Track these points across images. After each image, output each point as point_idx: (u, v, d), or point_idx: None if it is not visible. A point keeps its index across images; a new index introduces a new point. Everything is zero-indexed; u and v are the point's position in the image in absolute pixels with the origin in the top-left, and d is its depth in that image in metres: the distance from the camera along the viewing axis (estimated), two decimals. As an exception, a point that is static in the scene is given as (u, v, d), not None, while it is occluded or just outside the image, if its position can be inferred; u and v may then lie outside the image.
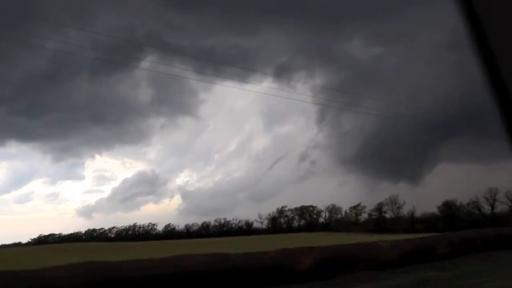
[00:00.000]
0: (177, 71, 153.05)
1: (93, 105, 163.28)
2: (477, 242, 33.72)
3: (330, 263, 24.51)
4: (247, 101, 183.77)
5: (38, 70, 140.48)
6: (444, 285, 23.26)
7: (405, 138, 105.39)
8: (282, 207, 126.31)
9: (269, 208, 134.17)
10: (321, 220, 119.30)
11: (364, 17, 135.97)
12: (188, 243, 66.80)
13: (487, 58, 1.19)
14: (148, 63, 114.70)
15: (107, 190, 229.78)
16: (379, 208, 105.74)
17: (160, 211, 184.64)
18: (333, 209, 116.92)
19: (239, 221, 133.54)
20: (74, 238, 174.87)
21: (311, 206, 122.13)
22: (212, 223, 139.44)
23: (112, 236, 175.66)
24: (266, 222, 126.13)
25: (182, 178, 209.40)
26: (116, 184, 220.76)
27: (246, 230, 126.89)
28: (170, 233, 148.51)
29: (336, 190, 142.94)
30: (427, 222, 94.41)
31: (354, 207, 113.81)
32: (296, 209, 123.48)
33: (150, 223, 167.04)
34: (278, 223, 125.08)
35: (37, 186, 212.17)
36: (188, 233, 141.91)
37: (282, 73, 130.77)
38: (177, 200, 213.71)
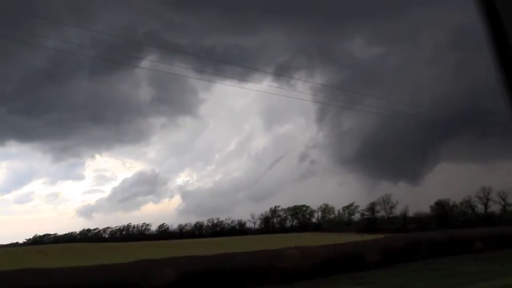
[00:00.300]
0: (177, 70, 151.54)
1: (93, 105, 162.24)
2: (423, 247, 30.11)
3: (201, 277, 19.29)
4: (247, 101, 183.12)
5: (38, 69, 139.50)
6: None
7: (405, 138, 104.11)
8: (275, 207, 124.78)
9: (268, 208, 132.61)
10: (314, 220, 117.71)
11: (365, 17, 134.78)
12: (163, 244, 65.22)
13: (504, 56, 1.14)
14: (148, 62, 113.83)
15: (107, 190, 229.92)
16: (371, 207, 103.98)
17: (160, 211, 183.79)
18: (326, 209, 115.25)
19: (232, 221, 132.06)
20: (68, 238, 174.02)
21: (304, 205, 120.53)
22: (205, 223, 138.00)
23: (106, 236, 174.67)
24: (258, 222, 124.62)
25: (182, 178, 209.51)
26: (116, 184, 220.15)
27: (239, 230, 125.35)
28: (163, 233, 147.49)
29: (335, 189, 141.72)
30: (419, 222, 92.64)
31: (347, 207, 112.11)
32: (289, 209, 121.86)
33: (144, 223, 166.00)
34: (271, 223, 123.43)
35: (37, 186, 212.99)
36: (181, 233, 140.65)
37: (282, 72, 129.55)
38: (177, 200, 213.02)
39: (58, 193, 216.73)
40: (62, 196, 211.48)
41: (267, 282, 19.73)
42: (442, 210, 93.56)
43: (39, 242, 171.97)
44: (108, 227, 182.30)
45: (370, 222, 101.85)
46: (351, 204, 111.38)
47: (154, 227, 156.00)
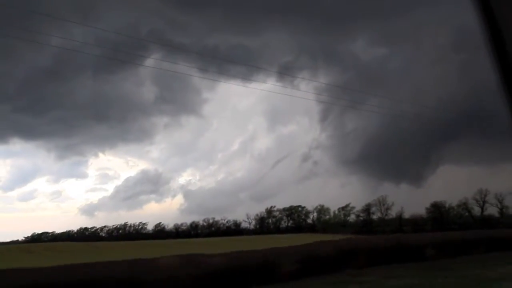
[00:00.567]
0: (181, 69, 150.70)
1: (97, 103, 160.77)
2: (360, 254, 24.71)
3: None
4: (251, 101, 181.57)
5: (41, 67, 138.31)
6: None
7: (408, 139, 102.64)
8: (271, 207, 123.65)
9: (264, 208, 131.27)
10: (309, 221, 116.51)
11: (369, 18, 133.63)
12: (142, 244, 64.05)
13: (501, 58, 1.15)
14: (152, 61, 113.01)
15: (110, 188, 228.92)
16: (367, 209, 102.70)
17: (162, 210, 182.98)
18: (321, 210, 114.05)
19: (227, 221, 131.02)
20: (66, 236, 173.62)
21: (300, 206, 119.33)
22: (201, 223, 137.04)
23: (103, 235, 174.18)
24: (253, 222, 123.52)
25: (185, 177, 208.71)
26: (119, 182, 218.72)
27: (234, 230, 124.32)
28: (159, 233, 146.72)
29: (338, 191, 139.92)
30: (415, 224, 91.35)
31: (343, 208, 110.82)
32: (284, 209, 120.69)
33: (140, 223, 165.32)
34: (266, 224, 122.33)
35: (41, 184, 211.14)
36: (177, 233, 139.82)
37: (286, 72, 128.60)
38: (179, 199, 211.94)
39: (61, 191, 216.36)
40: (65, 194, 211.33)
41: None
42: (438, 212, 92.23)
43: (37, 240, 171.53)
44: (105, 226, 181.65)
45: (366, 223, 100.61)
46: (347, 205, 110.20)
47: (153, 226, 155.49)
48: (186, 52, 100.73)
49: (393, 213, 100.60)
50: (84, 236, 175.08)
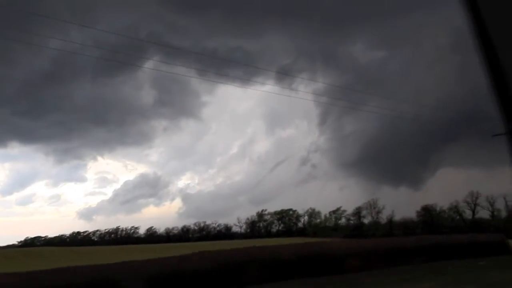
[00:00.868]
0: (179, 72, 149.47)
1: (96, 107, 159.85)
2: (251, 267, 20.55)
3: None
4: (250, 104, 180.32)
5: (40, 70, 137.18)
6: None
7: (407, 141, 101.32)
8: (262, 210, 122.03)
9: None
10: (301, 224, 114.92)
11: (368, 21, 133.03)
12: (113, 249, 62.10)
13: (491, 61, 1.16)
14: (151, 65, 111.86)
15: (108, 192, 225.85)
16: (357, 212, 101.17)
17: (161, 214, 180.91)
18: (312, 213, 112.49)
19: (218, 225, 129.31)
20: (58, 241, 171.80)
21: (291, 209, 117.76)
22: (192, 227, 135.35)
23: (95, 239, 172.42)
24: (244, 226, 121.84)
25: (184, 181, 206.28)
26: (118, 186, 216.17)
27: (224, 234, 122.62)
28: (150, 237, 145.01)
29: (336, 194, 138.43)
30: (405, 228, 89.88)
31: (334, 212, 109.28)
32: (275, 213, 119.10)
33: (132, 227, 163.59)
34: (257, 227, 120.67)
35: (39, 188, 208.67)
36: (168, 237, 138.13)
37: (285, 75, 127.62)
38: (177, 203, 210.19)
39: (60, 195, 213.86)
40: (64, 198, 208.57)
41: None
42: (428, 216, 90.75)
43: (30, 244, 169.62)
44: (97, 230, 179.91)
45: (356, 227, 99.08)
46: (338, 209, 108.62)
47: (145, 231, 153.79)
48: (185, 55, 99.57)
49: (384, 216, 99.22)
50: (76, 240, 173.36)
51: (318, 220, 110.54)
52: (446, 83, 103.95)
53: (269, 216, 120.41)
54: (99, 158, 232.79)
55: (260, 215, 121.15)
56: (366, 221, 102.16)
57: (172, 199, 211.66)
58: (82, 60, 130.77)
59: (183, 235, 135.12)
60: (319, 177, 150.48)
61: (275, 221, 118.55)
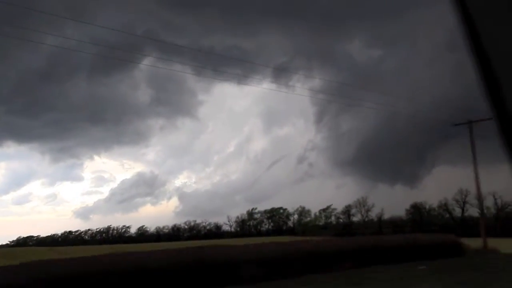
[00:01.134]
0: (176, 71, 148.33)
1: (92, 105, 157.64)
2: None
3: None
4: (247, 102, 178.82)
5: (36, 68, 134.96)
6: None
7: (403, 140, 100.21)
8: (252, 209, 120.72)
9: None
10: (290, 223, 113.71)
11: (365, 19, 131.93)
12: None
13: (481, 59, 1.19)
14: (147, 63, 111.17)
15: (105, 191, 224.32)
16: (347, 211, 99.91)
17: (158, 213, 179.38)
18: (302, 212, 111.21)
19: (208, 224, 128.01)
20: (50, 240, 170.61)
21: (281, 208, 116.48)
22: (182, 225, 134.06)
23: (87, 238, 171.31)
24: (234, 225, 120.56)
25: (180, 180, 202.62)
26: (114, 185, 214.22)
27: (214, 233, 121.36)
28: (141, 236, 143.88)
29: (333, 192, 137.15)
30: (394, 226, 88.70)
31: (324, 210, 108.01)
32: (265, 211, 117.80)
33: (124, 226, 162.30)
34: (247, 226, 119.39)
35: (35, 187, 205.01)
36: (158, 236, 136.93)
37: (281, 74, 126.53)
38: (174, 201, 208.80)
39: (56, 194, 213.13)
40: (61, 197, 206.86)
41: None
42: (417, 214, 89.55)
43: (23, 244, 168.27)
44: (89, 229, 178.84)
45: (345, 226, 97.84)
46: (328, 207, 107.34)
47: (136, 230, 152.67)
48: (182, 54, 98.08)
49: (374, 214, 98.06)
50: (68, 240, 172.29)
51: (308, 219, 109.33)
52: (443, 81, 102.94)
53: (259, 215, 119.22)
54: (96, 157, 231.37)
55: (250, 213, 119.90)
56: (356, 219, 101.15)
57: (169, 198, 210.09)
58: (78, 58, 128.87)
59: (173, 234, 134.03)
60: (316, 175, 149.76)
61: (265, 220, 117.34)
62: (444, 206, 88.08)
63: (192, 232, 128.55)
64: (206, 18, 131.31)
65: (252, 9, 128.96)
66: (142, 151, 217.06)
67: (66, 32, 73.30)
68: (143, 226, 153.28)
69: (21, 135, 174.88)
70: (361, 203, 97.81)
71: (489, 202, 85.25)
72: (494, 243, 56.76)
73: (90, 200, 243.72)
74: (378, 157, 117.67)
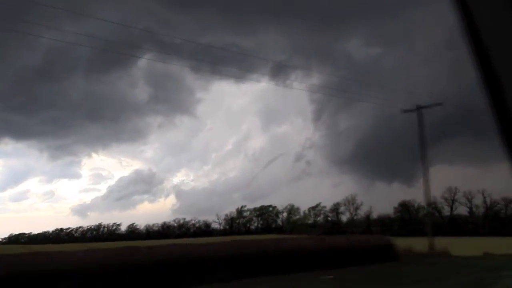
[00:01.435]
0: (174, 69, 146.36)
1: (90, 103, 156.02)
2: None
3: None
4: (245, 100, 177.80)
5: (33, 65, 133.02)
6: None
7: (401, 138, 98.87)
8: (241, 207, 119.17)
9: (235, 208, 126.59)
10: (280, 221, 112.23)
11: (363, 18, 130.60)
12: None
13: (481, 57, 1.19)
14: (145, 60, 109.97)
15: (103, 188, 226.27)
16: (335, 209, 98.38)
17: (155, 210, 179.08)
18: (291, 210, 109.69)
19: (198, 221, 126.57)
20: (42, 237, 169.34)
21: (270, 206, 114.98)
22: (171, 223, 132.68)
23: (77, 235, 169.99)
24: (223, 223, 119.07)
25: (178, 177, 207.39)
26: (112, 182, 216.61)
27: (203, 231, 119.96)
28: (131, 234, 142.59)
29: (330, 190, 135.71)
30: (382, 225, 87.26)
31: (313, 208, 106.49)
32: (255, 209, 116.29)
33: (114, 223, 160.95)
34: (237, 224, 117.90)
35: (33, 185, 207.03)
36: (148, 234, 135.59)
37: (280, 72, 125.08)
38: (172, 199, 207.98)
39: (54, 191, 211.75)
40: (58, 194, 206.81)
41: None
42: (406, 212, 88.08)
43: (15, 241, 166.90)
44: (80, 227, 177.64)
45: (334, 224, 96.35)
46: (317, 205, 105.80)
47: (126, 227, 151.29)
48: (180, 52, 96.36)
49: (362, 212, 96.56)
50: (59, 237, 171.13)
51: (297, 217, 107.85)
52: (441, 79, 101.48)
53: (248, 213, 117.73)
54: (94, 155, 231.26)
55: (240, 211, 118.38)
56: (344, 217, 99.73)
57: (167, 196, 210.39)
58: (76, 55, 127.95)
59: (163, 232, 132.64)
60: (314, 173, 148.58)
61: (254, 218, 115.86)
62: (433, 205, 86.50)
63: (181, 230, 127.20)
64: (205, 17, 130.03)
65: (251, 8, 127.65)
66: (140, 148, 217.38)
67: (65, 29, 71.60)
68: (134, 223, 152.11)
69: (19, 132, 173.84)
70: (350, 201, 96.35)
71: (478, 201, 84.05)
72: (482, 242, 55.40)
73: (88, 198, 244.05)
74: (375, 155, 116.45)
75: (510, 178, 1.20)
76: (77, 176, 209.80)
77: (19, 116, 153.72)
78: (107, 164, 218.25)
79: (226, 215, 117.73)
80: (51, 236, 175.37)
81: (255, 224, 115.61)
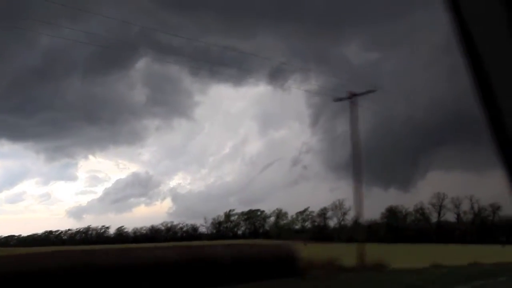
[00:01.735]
0: (172, 72, 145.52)
1: (88, 105, 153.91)
2: None
3: None
4: (243, 104, 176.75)
5: (31, 67, 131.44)
6: None
7: (398, 144, 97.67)
8: (229, 210, 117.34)
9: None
10: (267, 226, 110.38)
11: (362, 22, 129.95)
12: None
13: (475, 63, 1.19)
14: (143, 63, 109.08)
15: (99, 191, 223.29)
16: (322, 213, 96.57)
17: (151, 213, 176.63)
18: (279, 214, 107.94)
19: (186, 225, 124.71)
20: (31, 240, 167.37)
21: (259, 210, 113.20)
22: (159, 227, 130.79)
23: (65, 238, 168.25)
24: (211, 227, 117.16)
25: (175, 181, 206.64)
26: (109, 185, 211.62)
27: (191, 235, 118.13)
28: (120, 237, 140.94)
29: (327, 195, 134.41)
30: (369, 231, 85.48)
31: (301, 213, 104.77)
32: (243, 213, 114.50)
33: (103, 226, 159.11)
34: (224, 228, 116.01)
35: (30, 186, 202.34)
36: (135, 238, 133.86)
37: (278, 76, 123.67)
38: (168, 202, 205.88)
39: (50, 193, 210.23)
40: (54, 196, 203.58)
41: None
42: (393, 218, 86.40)
43: (4, 244, 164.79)
44: (69, 229, 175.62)
45: (320, 229, 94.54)
46: (305, 210, 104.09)
47: (115, 230, 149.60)
48: (178, 54, 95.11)
49: (349, 218, 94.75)
50: (48, 239, 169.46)
51: (284, 221, 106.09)
52: (438, 84, 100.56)
53: (236, 217, 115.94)
54: (91, 157, 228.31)
55: (228, 215, 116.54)
56: (332, 223, 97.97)
57: (163, 199, 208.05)
58: (74, 57, 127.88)
59: (151, 236, 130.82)
60: (311, 178, 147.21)
61: (242, 222, 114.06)
62: (420, 210, 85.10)
63: (168, 234, 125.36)
64: (204, 19, 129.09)
65: (250, 12, 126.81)
66: (137, 151, 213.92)
67: (63, 31, 70.19)
68: (122, 226, 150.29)
69: (16, 133, 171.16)
70: (338, 206, 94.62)
71: (465, 206, 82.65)
72: (467, 250, 53.89)
73: (84, 200, 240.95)
74: (372, 160, 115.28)
75: (503, 184, 1.13)
76: (73, 178, 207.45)
77: (16, 117, 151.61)
78: (104, 166, 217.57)
79: (214, 219, 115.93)
80: (39, 238, 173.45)
81: (242, 229, 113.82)
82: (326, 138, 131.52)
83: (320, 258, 21.62)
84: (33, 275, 14.05)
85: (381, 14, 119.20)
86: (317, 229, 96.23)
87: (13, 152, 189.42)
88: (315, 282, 17.55)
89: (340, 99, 31.34)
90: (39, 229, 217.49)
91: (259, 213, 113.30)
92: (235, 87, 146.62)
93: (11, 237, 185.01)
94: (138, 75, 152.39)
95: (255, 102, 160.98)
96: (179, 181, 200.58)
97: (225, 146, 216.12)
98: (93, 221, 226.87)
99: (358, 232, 33.15)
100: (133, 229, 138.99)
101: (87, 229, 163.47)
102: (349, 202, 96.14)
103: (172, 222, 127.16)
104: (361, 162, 30.01)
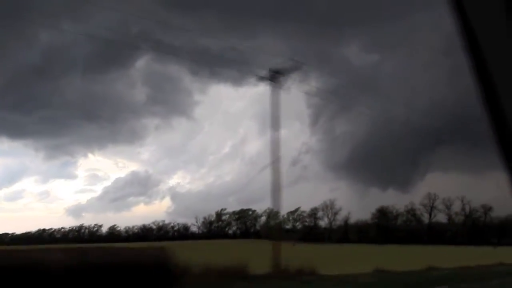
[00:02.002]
0: (172, 71, 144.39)
1: (87, 103, 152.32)
2: None
3: None
4: (243, 104, 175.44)
5: (30, 64, 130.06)
6: None
7: (397, 144, 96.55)
8: (221, 210, 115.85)
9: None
10: (258, 226, 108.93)
11: (362, 24, 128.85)
12: None
13: (478, 64, 1.19)
14: (143, 62, 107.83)
15: (99, 189, 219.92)
16: (313, 213, 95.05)
17: (150, 212, 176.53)
18: (271, 214, 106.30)
19: (177, 224, 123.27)
20: (25, 238, 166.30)
21: (250, 209, 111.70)
22: (151, 226, 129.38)
23: (58, 236, 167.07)
24: (202, 226, 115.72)
25: (175, 180, 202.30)
26: (108, 183, 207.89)
27: (181, 234, 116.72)
28: (112, 235, 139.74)
29: (326, 195, 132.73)
30: (359, 231, 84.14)
31: (292, 212, 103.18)
32: (234, 213, 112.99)
33: (96, 224, 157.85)
34: (215, 228, 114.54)
35: (29, 184, 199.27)
36: (127, 236, 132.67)
37: (278, 76, 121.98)
38: (167, 201, 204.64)
39: (49, 191, 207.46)
40: (54, 194, 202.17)
41: None
42: (384, 219, 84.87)
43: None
44: (62, 228, 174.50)
45: (311, 229, 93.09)
46: (297, 209, 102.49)
47: (107, 229, 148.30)
48: (178, 53, 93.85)
49: (340, 218, 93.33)
50: (41, 237, 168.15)
51: (275, 221, 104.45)
52: (438, 86, 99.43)
53: (227, 216, 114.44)
54: (90, 155, 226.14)
55: (219, 214, 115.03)
56: (323, 223, 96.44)
57: (162, 198, 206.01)
58: (73, 54, 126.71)
59: (142, 235, 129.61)
60: (310, 178, 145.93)
61: (233, 222, 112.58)
62: (411, 211, 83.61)
63: (160, 233, 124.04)
64: (205, 19, 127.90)
65: (250, 12, 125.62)
66: (137, 150, 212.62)
67: (62, 28, 68.32)
68: (114, 225, 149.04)
69: (15, 131, 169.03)
70: (328, 206, 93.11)
71: (457, 207, 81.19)
72: (458, 251, 52.41)
73: (83, 198, 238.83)
74: (371, 161, 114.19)
75: (506, 186, 1.14)
76: (72, 176, 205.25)
77: (15, 115, 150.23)
78: (103, 165, 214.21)
79: (205, 218, 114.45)
80: (33, 237, 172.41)
81: (234, 228, 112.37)
82: (326, 138, 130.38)
83: (216, 264, 18.37)
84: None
85: (382, 16, 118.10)
86: (307, 229, 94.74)
87: (12, 149, 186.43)
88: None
89: (261, 78, 27.88)
90: (38, 227, 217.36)
91: (250, 212, 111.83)
92: (235, 87, 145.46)
93: (5, 235, 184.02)
94: (138, 74, 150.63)
95: (254, 101, 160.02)
96: (178, 180, 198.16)
97: (224, 146, 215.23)
98: (92, 219, 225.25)
99: (272, 230, 29.16)
100: (124, 228, 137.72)
101: (80, 227, 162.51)
102: (349, 203, 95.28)
103: (164, 221, 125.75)
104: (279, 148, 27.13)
